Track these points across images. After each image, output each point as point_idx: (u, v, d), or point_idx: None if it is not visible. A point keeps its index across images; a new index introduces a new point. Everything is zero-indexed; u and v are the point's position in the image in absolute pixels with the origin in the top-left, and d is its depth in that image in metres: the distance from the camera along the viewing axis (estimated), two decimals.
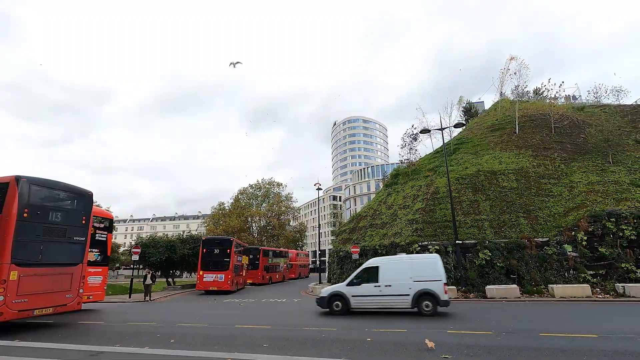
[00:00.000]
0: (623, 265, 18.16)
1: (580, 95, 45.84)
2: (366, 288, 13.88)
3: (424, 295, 13.11)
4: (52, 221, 11.58)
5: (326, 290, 14.70)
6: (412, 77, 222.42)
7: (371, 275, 14.04)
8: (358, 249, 23.79)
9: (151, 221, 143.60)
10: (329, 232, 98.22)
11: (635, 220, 18.95)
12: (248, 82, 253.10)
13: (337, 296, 14.15)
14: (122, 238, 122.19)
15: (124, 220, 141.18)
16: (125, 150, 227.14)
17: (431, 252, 20.64)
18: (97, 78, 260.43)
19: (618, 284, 17.50)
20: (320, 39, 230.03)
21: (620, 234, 18.88)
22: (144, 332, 10.43)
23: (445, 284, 13.28)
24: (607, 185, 23.17)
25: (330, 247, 43.07)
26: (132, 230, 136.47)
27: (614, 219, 19.29)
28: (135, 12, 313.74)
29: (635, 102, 39.48)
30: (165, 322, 12.48)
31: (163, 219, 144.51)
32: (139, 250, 25.37)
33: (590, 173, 25.08)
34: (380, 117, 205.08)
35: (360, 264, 23.70)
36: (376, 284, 13.74)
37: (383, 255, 22.44)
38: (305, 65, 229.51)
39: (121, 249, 65.61)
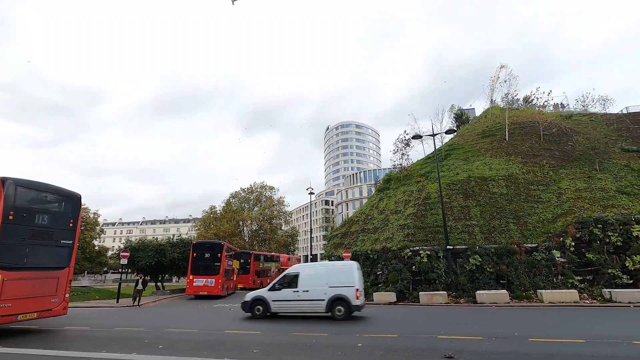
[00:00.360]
0: (610, 271, 18.46)
1: (568, 104, 46.82)
2: (286, 293, 14.49)
3: (337, 300, 13.67)
4: (38, 224, 11.35)
5: (250, 295, 15.21)
6: (408, 82, 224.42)
7: (292, 281, 14.71)
8: (350, 254, 23.76)
9: (141, 224, 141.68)
10: (321, 236, 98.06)
11: (621, 227, 19.32)
12: (245, 85, 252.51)
13: (258, 300, 14.70)
14: (111, 242, 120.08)
15: (113, 224, 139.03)
16: (117, 152, 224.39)
17: (422, 257, 20.77)
18: (90, 78, 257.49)
19: (605, 290, 17.77)
20: (318, 42, 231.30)
21: (607, 240, 19.21)
22: (131, 338, 10.24)
23: (357, 289, 13.74)
24: (594, 192, 23.61)
25: (322, 251, 42.98)
26: (121, 233, 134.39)
27: (600, 226, 19.64)
28: (131, 12, 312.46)
29: (621, 111, 40.46)
30: (154, 328, 12.28)
31: (153, 222, 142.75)
32: (127, 254, 24.94)
33: (578, 180, 25.55)
34: (375, 122, 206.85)
35: None
36: (295, 289, 14.37)
37: (374, 260, 22.54)
38: (303, 67, 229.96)
39: (109, 253, 64.55)
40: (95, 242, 53.61)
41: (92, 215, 52.71)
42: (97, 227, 54.29)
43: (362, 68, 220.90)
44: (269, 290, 14.95)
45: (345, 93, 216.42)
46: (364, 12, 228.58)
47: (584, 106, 41.05)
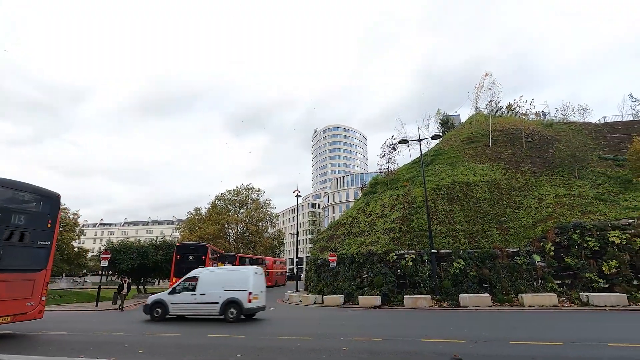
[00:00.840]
0: (587, 275, 19.01)
1: (549, 112, 48.23)
2: (184, 296, 15.23)
3: (230, 303, 14.46)
4: (14, 224, 10.97)
5: (151, 298, 15.96)
6: (398, 88, 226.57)
7: (191, 284, 15.43)
8: (335, 257, 23.81)
9: (123, 226, 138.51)
10: (307, 239, 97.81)
11: (598, 232, 19.93)
12: (236, 86, 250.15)
13: (158, 303, 15.40)
14: (91, 243, 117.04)
15: (94, 225, 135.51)
16: (101, 152, 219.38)
17: (407, 261, 20.95)
18: (74, 75, 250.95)
19: (582, 293, 18.29)
20: (312, 46, 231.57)
21: (585, 245, 19.79)
22: (110, 342, 9.97)
23: (250, 292, 14.54)
24: (573, 199, 24.32)
25: (308, 254, 42.88)
26: (102, 234, 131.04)
27: (579, 231, 20.22)
28: (117, 10, 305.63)
29: (599, 120, 41.95)
30: (135, 332, 11.99)
31: (136, 223, 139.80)
32: (108, 255, 24.31)
33: (558, 186, 26.28)
34: (364, 127, 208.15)
35: (338, 272, 23.83)
36: (193, 293, 15.15)
37: (360, 263, 22.62)
38: (295, 70, 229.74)
39: (89, 255, 62.79)
40: (75, 244, 52.14)
41: (71, 216, 51.31)
42: (77, 228, 52.81)
43: (354, 73, 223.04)
44: (169, 293, 15.59)
45: (335, 97, 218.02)
46: (359, 18, 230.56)
47: (564, 115, 42.43)
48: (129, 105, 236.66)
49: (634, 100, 41.65)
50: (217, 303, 14.50)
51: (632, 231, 19.51)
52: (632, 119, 40.34)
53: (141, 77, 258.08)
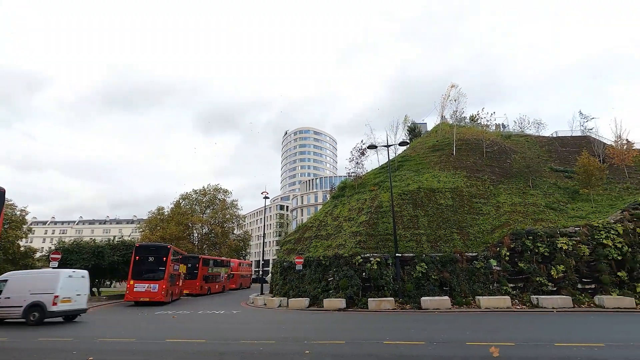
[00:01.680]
0: (538, 279, 20.26)
1: (508, 125, 51.13)
2: None
3: (33, 306, 14.69)
4: None
5: None
6: (370, 96, 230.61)
7: None
8: (302, 260, 23.73)
9: (77, 224, 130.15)
10: (275, 241, 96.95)
11: (548, 239, 21.34)
12: (207, 85, 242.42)
13: None
14: (40, 242, 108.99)
15: (44, 222, 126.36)
16: (57, 145, 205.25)
17: (372, 264, 21.27)
18: (32, 62, 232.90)
19: (533, 296, 19.46)
20: (289, 49, 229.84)
21: (536, 251, 21.10)
22: (57, 349, 9.30)
23: (56, 296, 14.83)
24: (527, 207, 25.89)
25: (275, 257, 42.49)
26: (52, 233, 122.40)
27: (531, 237, 21.53)
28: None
29: (551, 134, 45.06)
30: (84, 338, 11.27)
31: (92, 222, 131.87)
32: (59, 256, 22.65)
33: (514, 195, 27.89)
34: (335, 131, 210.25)
35: (304, 275, 23.76)
36: None
37: (326, 266, 22.70)
38: (270, 72, 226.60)
39: (37, 255, 58.28)
40: (21, 243, 48.24)
41: (18, 212, 47.54)
42: (24, 226, 48.87)
43: (329, 78, 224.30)
44: None
45: (309, 101, 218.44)
46: (339, 25, 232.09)
47: (521, 128, 45.17)
48: (91, 96, 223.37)
49: (583, 117, 45.16)
50: (21, 307, 14.55)
51: (578, 238, 21.09)
52: (580, 134, 43.68)
53: (102, 67, 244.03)
